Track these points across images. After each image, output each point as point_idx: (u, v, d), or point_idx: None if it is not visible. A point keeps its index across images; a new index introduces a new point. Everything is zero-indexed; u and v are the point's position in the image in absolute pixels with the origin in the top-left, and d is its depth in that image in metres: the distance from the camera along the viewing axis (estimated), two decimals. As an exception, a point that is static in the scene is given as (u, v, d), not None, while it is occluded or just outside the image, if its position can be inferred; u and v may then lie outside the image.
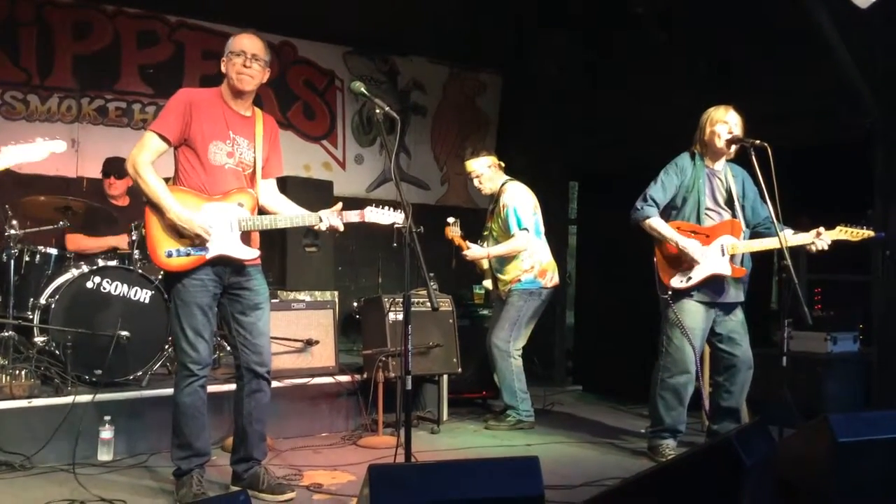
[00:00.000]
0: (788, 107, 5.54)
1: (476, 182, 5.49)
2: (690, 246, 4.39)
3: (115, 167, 5.50)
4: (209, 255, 3.54)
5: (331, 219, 3.70)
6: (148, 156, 3.51)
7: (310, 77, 7.28)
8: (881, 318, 5.42)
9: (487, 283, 5.54)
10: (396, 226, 3.40)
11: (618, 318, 6.68)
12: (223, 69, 3.63)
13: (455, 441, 5.01)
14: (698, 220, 4.47)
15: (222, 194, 3.60)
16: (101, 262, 4.78)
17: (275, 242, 5.95)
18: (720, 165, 4.55)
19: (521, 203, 5.32)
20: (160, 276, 4.61)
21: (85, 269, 4.67)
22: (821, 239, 4.30)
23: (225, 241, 3.57)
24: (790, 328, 4.88)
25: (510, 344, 5.32)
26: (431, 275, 4.91)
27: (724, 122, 4.43)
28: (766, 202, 4.21)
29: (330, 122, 7.39)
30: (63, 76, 6.17)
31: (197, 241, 3.52)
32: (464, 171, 5.59)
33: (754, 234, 4.53)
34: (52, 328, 4.50)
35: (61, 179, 5.96)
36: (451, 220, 5.32)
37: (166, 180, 3.60)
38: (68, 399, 4.24)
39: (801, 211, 4.60)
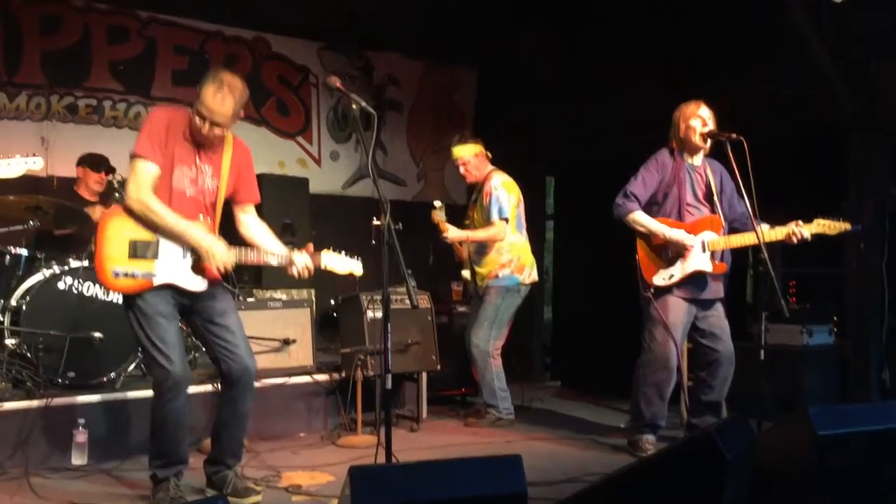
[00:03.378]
0: (762, 99, 5.58)
1: (461, 169, 5.46)
2: (678, 235, 4.39)
3: (105, 162, 5.43)
4: (156, 281, 3.44)
5: (306, 260, 3.65)
6: (147, 186, 3.40)
7: (284, 73, 7.22)
8: (855, 310, 5.47)
9: (466, 274, 5.52)
10: (375, 223, 3.35)
11: (596, 313, 6.69)
12: (192, 109, 3.47)
13: (435, 439, 4.98)
14: (679, 216, 4.48)
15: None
16: (73, 263, 4.69)
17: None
18: (699, 160, 4.57)
19: (504, 194, 5.31)
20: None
21: (56, 269, 4.59)
22: (799, 231, 4.32)
23: (174, 270, 3.47)
24: (767, 321, 4.93)
25: (490, 343, 5.30)
26: (409, 272, 4.88)
27: (698, 116, 4.45)
28: (742, 197, 4.23)
29: (305, 118, 7.33)
30: (32, 73, 6.06)
31: (212, 267, 3.45)
32: (450, 157, 5.56)
33: (731, 230, 4.53)
34: (23, 330, 4.41)
35: (31, 178, 5.81)
36: (437, 203, 5.32)
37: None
38: (41, 402, 4.16)
39: (776, 203, 4.62)
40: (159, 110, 3.56)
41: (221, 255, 3.44)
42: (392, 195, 7.30)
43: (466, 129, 8.01)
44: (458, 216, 5.70)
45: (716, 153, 4.51)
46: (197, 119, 3.44)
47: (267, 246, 3.70)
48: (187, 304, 3.57)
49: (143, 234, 3.44)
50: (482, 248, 5.38)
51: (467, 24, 7.04)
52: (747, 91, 5.67)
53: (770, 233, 4.32)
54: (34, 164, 3.65)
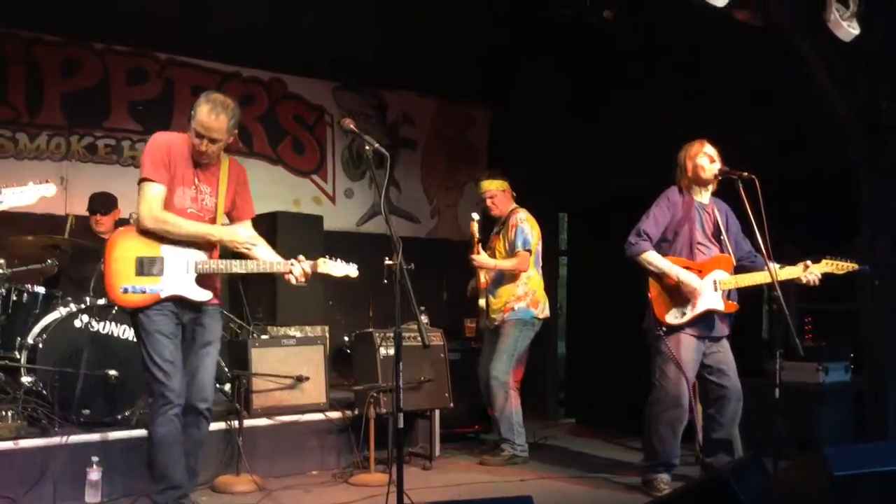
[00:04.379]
0: (774, 137, 5.60)
1: (488, 202, 5.64)
2: (690, 279, 4.40)
3: (101, 203, 5.51)
4: (163, 294, 3.62)
5: (304, 266, 3.78)
6: (158, 204, 3.61)
7: (299, 112, 7.32)
8: (871, 347, 5.42)
9: (482, 303, 5.55)
10: (387, 262, 3.38)
11: (610, 350, 6.66)
12: (188, 129, 3.69)
13: (448, 477, 4.96)
14: (690, 255, 4.50)
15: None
16: (89, 301, 4.74)
17: (263, 278, 5.92)
18: (707, 198, 4.61)
19: (528, 228, 5.48)
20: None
21: (73, 307, 4.64)
22: (809, 273, 4.34)
23: (180, 282, 3.67)
24: (782, 359, 4.90)
25: (510, 376, 5.33)
26: (422, 308, 4.91)
27: (704, 154, 4.53)
28: (753, 234, 4.24)
29: (320, 156, 7.42)
30: (52, 113, 6.18)
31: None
32: (477, 190, 5.78)
33: (738, 269, 4.56)
34: (40, 368, 4.46)
35: (49, 217, 5.92)
36: (475, 215, 5.47)
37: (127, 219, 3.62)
38: (55, 440, 4.19)
39: (789, 241, 4.62)
40: (158, 136, 3.74)
41: (242, 235, 3.75)
42: (405, 232, 7.34)
43: (480, 166, 8.11)
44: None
45: (727, 192, 4.52)
46: (195, 139, 3.64)
47: (266, 256, 3.86)
48: (184, 322, 3.73)
49: (148, 252, 3.62)
50: (500, 278, 5.47)
51: (481, 63, 7.14)
52: (759, 130, 5.70)
53: (781, 272, 4.32)
54: (47, 192, 3.76)
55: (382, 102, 7.71)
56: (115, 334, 4.68)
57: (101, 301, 4.80)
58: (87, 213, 5.62)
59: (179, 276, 3.66)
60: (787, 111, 5.63)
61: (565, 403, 7.72)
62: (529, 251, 5.42)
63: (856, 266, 4.39)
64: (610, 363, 6.63)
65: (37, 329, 4.65)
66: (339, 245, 7.03)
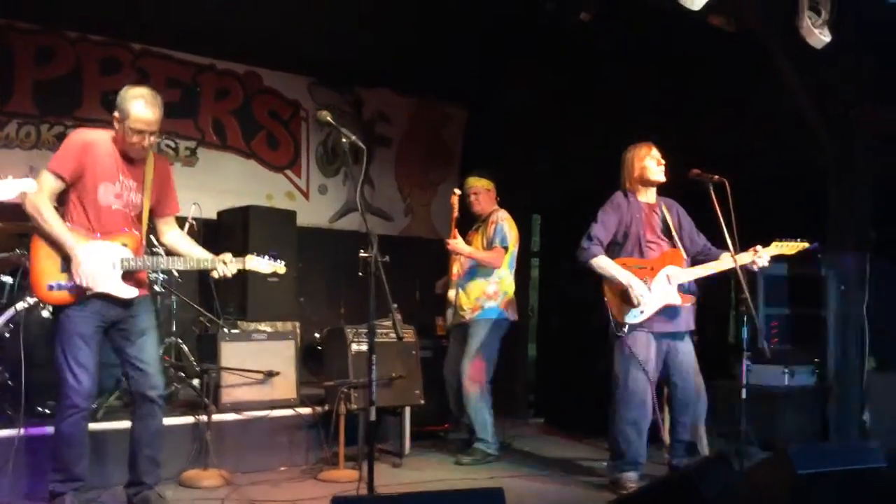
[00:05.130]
0: (745, 141, 5.68)
1: (472, 198, 5.67)
2: (635, 284, 4.45)
3: None
4: (89, 291, 3.63)
5: (228, 267, 3.80)
6: (45, 192, 3.61)
7: (274, 107, 7.27)
8: (836, 351, 5.52)
9: (451, 294, 5.55)
10: (362, 255, 3.39)
11: (579, 351, 6.69)
12: (115, 124, 3.71)
13: (418, 475, 4.95)
14: (641, 254, 4.58)
15: (107, 234, 3.70)
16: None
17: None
18: (652, 198, 4.71)
19: (507, 227, 5.51)
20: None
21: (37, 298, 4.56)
22: (759, 256, 4.42)
23: (106, 280, 3.67)
24: (749, 362, 4.96)
25: (482, 375, 5.34)
26: (395, 305, 4.91)
27: (651, 157, 4.65)
28: (723, 235, 4.29)
29: (294, 151, 7.38)
30: (22, 102, 6.08)
31: (76, 279, 3.59)
32: (465, 185, 5.76)
33: (694, 263, 4.64)
34: (4, 357, 4.39)
35: (18, 207, 5.82)
36: (457, 190, 5.61)
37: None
38: (20, 431, 4.12)
39: (757, 243, 4.68)
40: (76, 133, 3.78)
41: (86, 274, 3.58)
42: (379, 230, 7.34)
43: (454, 166, 8.12)
44: (444, 253, 5.72)
45: (698, 193, 4.56)
46: (135, 136, 3.66)
47: (193, 253, 3.89)
48: (112, 318, 3.73)
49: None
50: (473, 272, 5.47)
51: (457, 62, 7.14)
52: (731, 134, 5.78)
53: (728, 261, 4.38)
54: (27, 186, 3.70)
55: (358, 99, 7.69)
56: (83, 325, 4.61)
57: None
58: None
59: (106, 273, 3.65)
60: (759, 115, 5.72)
61: (535, 404, 7.75)
62: (506, 249, 5.44)
63: (806, 244, 4.46)
64: (580, 364, 6.66)
65: (2, 319, 4.56)
66: (311, 241, 7.04)
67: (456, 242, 5.43)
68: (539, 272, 8.14)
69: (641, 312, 4.48)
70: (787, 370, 5.39)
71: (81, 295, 3.61)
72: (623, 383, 4.54)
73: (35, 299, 4.51)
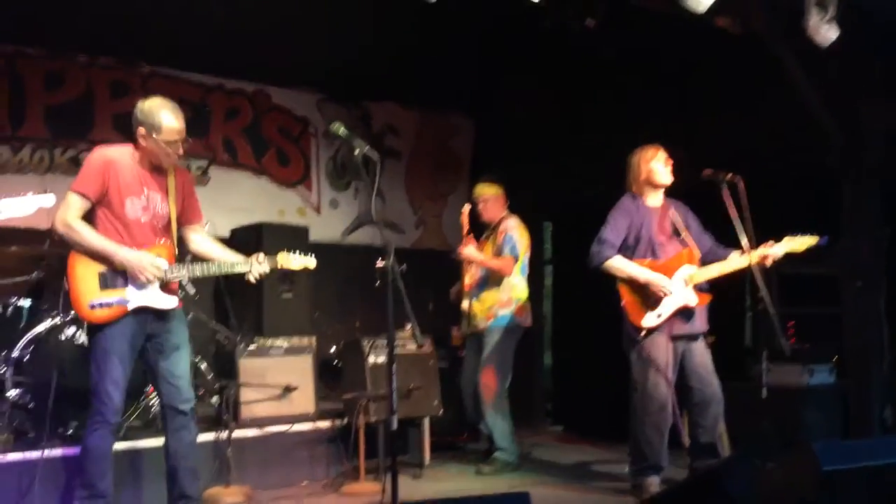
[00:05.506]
0: (754, 142, 5.67)
1: (481, 206, 5.69)
2: (656, 278, 4.44)
3: None
4: (131, 306, 3.67)
5: (262, 266, 3.84)
6: (74, 212, 3.66)
7: (284, 124, 7.32)
8: (854, 349, 5.48)
9: (465, 305, 5.56)
10: (379, 265, 3.40)
11: (596, 357, 6.67)
12: (141, 141, 3.74)
13: (439, 486, 4.96)
14: (654, 255, 4.56)
15: (139, 246, 3.74)
16: (74, 313, 4.70)
17: (249, 289, 5.89)
18: (659, 201, 4.69)
19: (518, 236, 5.51)
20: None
21: (59, 320, 4.60)
22: (771, 253, 4.40)
23: (145, 292, 3.70)
24: (768, 361, 4.95)
25: (498, 383, 5.33)
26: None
27: (658, 159, 4.64)
28: (736, 235, 4.29)
29: (304, 168, 7.41)
30: (35, 126, 6.14)
31: (142, 278, 3.64)
32: (472, 193, 5.81)
33: (703, 265, 4.60)
34: (25, 380, 4.41)
35: (33, 231, 5.87)
36: (467, 206, 5.64)
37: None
38: (43, 453, 4.14)
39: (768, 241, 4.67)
40: (97, 152, 3.79)
41: (149, 264, 3.66)
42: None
43: (463, 176, 8.13)
44: (456, 264, 5.73)
45: (710, 194, 4.56)
46: (169, 147, 3.72)
47: (224, 257, 3.93)
48: (149, 331, 3.76)
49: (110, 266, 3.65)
50: (485, 281, 5.48)
51: (464, 73, 7.17)
52: (740, 135, 5.77)
53: (743, 258, 4.37)
54: (46, 202, 3.81)
55: (367, 113, 7.72)
56: (102, 346, 4.63)
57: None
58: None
59: (143, 285, 3.69)
60: (769, 116, 5.71)
61: (552, 413, 7.73)
62: (516, 258, 5.43)
63: (815, 239, 4.44)
64: (596, 371, 6.64)
65: (22, 342, 4.59)
66: (324, 256, 6.98)
67: (467, 250, 5.44)
68: (552, 280, 8.12)
69: (659, 316, 4.47)
70: (806, 369, 5.34)
71: (122, 310, 3.64)
72: (642, 388, 4.52)
73: (54, 322, 4.58)
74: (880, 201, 5.35)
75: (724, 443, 4.69)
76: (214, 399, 5.20)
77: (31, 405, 4.41)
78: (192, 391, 3.91)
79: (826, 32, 4.63)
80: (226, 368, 5.17)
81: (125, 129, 6.42)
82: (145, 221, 3.77)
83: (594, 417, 6.64)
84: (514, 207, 5.85)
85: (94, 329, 3.70)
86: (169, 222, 3.86)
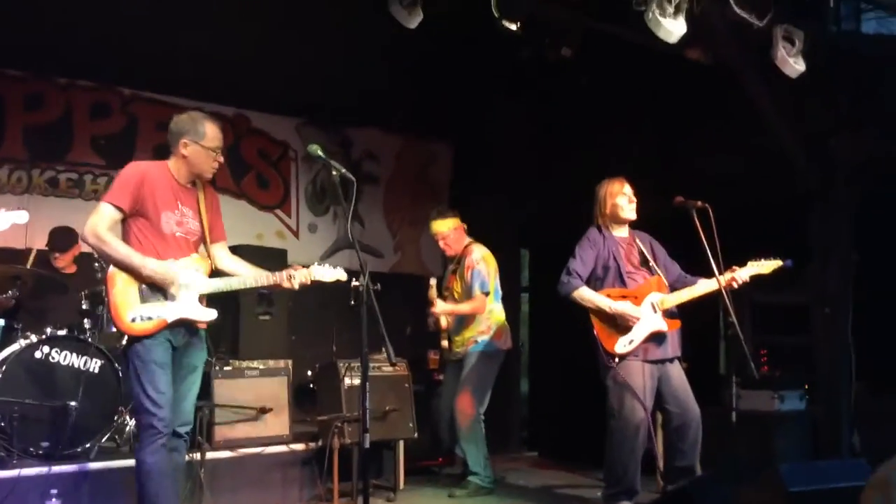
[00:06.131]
0: (727, 169, 5.78)
1: (441, 244, 5.61)
2: (622, 307, 4.50)
3: (59, 241, 5.49)
4: (171, 318, 3.62)
5: (299, 278, 3.77)
6: (106, 225, 3.58)
7: (263, 147, 7.36)
8: (824, 375, 5.58)
9: (445, 343, 5.56)
10: (354, 284, 3.43)
11: (572, 385, 6.71)
12: (183, 151, 3.72)
13: (412, 508, 4.95)
14: (623, 284, 4.63)
15: (175, 259, 3.68)
16: (50, 332, 4.69)
17: (227, 310, 5.90)
18: (625, 232, 4.77)
19: (484, 268, 5.45)
20: (122, 344, 4.57)
21: (34, 338, 4.59)
22: (737, 276, 4.48)
23: (185, 305, 3.66)
24: (738, 386, 5.02)
25: (475, 408, 5.34)
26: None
27: (623, 194, 4.71)
28: (707, 261, 4.37)
29: (283, 191, 7.45)
30: (14, 147, 6.14)
31: (172, 290, 3.59)
32: (428, 231, 5.70)
33: (672, 291, 4.66)
34: (-2, 400, 4.39)
35: (10, 251, 5.86)
36: (433, 281, 5.52)
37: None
38: (13, 472, 4.12)
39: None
40: (132, 165, 3.75)
41: (175, 275, 3.60)
42: (369, 267, 7.27)
43: (442, 202, 8.18)
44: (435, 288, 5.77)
45: (681, 221, 4.64)
46: (213, 156, 3.76)
47: (256, 271, 3.89)
48: (177, 344, 3.69)
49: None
50: (462, 320, 5.47)
51: (443, 100, 7.26)
52: (712, 164, 5.88)
53: (711, 282, 4.45)
54: (19, 219, 3.77)
55: (347, 139, 7.78)
56: (76, 366, 4.64)
57: (62, 332, 4.77)
58: (47, 248, 5.60)
59: (183, 298, 3.65)
60: (739, 145, 5.83)
61: (528, 439, 7.74)
62: (487, 293, 5.42)
63: (780, 262, 4.52)
64: (572, 397, 6.68)
65: (-5, 360, 4.59)
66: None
67: (438, 308, 5.40)
68: (529, 307, 8.17)
69: (631, 342, 4.52)
70: (776, 395, 5.41)
71: (162, 324, 3.59)
72: (618, 413, 4.54)
73: (28, 341, 4.57)
74: (848, 229, 5.47)
75: (697, 467, 4.72)
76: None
77: (2, 424, 4.37)
78: (192, 417, 3.83)
79: (794, 65, 4.77)
80: (201, 389, 5.13)
81: (103, 151, 6.53)
82: (179, 236, 3.73)
83: (570, 443, 6.66)
84: (492, 234, 5.87)
85: (133, 342, 3.61)
86: (199, 238, 3.84)
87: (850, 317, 5.39)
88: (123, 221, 3.66)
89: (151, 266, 3.57)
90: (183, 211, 3.76)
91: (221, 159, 3.82)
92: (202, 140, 3.72)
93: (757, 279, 4.54)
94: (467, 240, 5.63)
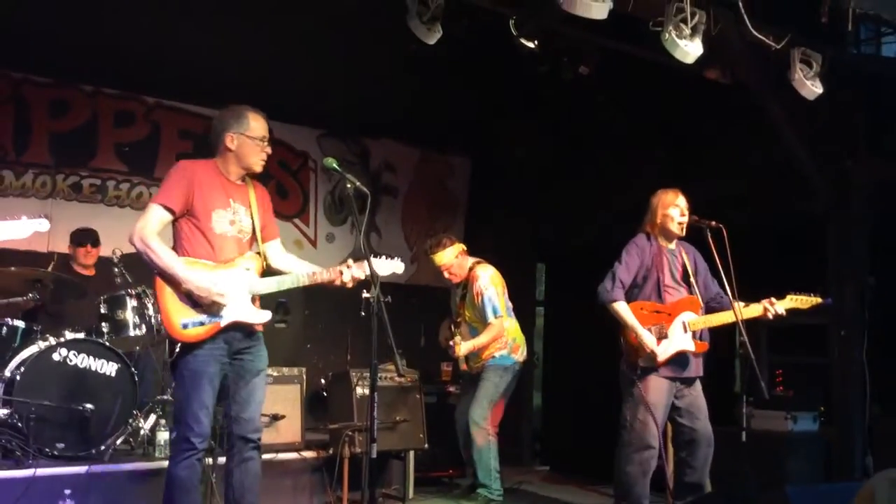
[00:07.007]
0: (743, 191, 5.78)
1: (446, 275, 5.56)
2: (647, 340, 4.46)
3: (89, 236, 5.61)
4: (224, 322, 3.53)
5: (353, 272, 3.64)
6: (154, 227, 3.51)
7: (284, 157, 7.44)
8: (839, 397, 5.55)
9: (462, 361, 5.56)
10: (365, 296, 3.47)
11: (585, 399, 6.72)
12: (229, 145, 3.66)
13: (421, 519, 4.97)
14: (659, 298, 4.60)
15: (228, 261, 3.61)
16: (68, 335, 4.77)
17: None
18: (673, 244, 4.73)
19: (493, 292, 5.41)
20: (152, 347, 4.62)
21: (52, 341, 4.67)
22: (773, 307, 4.46)
23: (238, 307, 3.57)
24: (750, 406, 4.99)
25: (488, 420, 5.35)
26: (400, 351, 4.97)
27: (676, 206, 4.62)
28: (718, 279, 4.39)
29: (302, 201, 7.52)
30: (39, 152, 6.26)
31: (213, 309, 3.50)
32: (432, 264, 5.63)
33: (707, 310, 4.65)
34: (16, 400, 4.46)
35: (32, 254, 5.96)
36: (457, 338, 5.39)
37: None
38: (29, 472, 4.18)
39: (756, 292, 4.75)
40: (181, 164, 3.68)
41: (216, 294, 3.47)
42: (386, 278, 7.40)
43: (460, 215, 8.23)
44: (447, 300, 5.80)
45: (696, 239, 4.66)
46: (261, 146, 3.71)
47: (307, 269, 3.76)
48: (235, 349, 3.62)
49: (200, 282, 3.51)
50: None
51: (462, 114, 7.32)
52: (729, 184, 5.89)
53: (746, 310, 4.44)
54: (40, 226, 3.80)
55: (365, 150, 7.85)
56: (93, 368, 4.71)
57: (80, 335, 4.85)
58: (69, 251, 5.72)
59: (236, 300, 3.55)
60: (757, 166, 5.83)
61: (540, 453, 7.75)
62: (502, 316, 5.39)
63: (820, 300, 4.50)
64: (586, 412, 6.69)
65: (14, 362, 4.65)
66: (318, 289, 7.04)
67: (462, 349, 5.35)
68: (544, 321, 8.19)
69: (657, 356, 4.52)
70: (789, 415, 5.38)
71: (216, 328, 3.51)
72: (630, 425, 4.54)
73: (47, 343, 4.65)
74: (864, 250, 5.46)
75: (707, 486, 4.71)
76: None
77: (19, 424, 4.44)
78: (259, 422, 3.74)
79: (811, 87, 4.77)
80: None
81: (126, 158, 6.63)
82: (231, 235, 3.63)
83: (582, 459, 6.66)
84: (508, 249, 5.88)
85: (185, 350, 3.50)
86: (252, 236, 3.73)
87: (865, 338, 5.37)
88: (174, 222, 3.59)
89: (193, 283, 3.45)
90: (235, 208, 3.66)
91: (269, 150, 3.74)
92: (248, 131, 3.66)
93: (794, 313, 4.51)
94: (470, 262, 5.59)
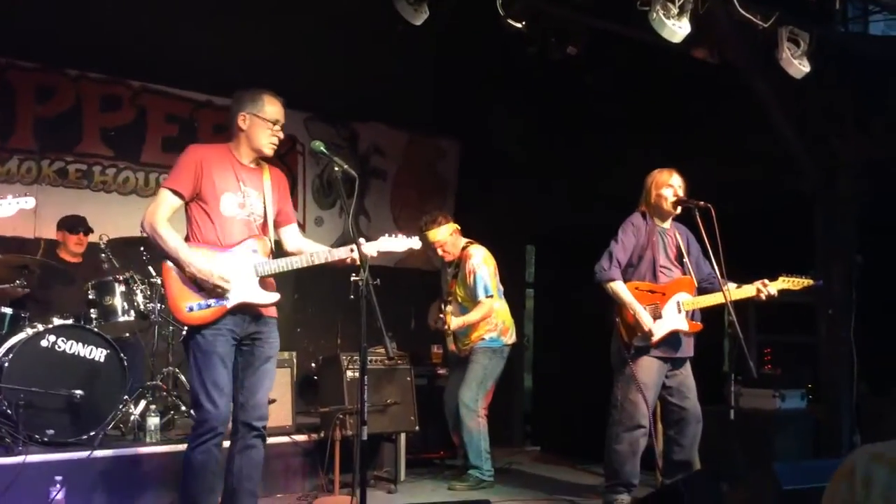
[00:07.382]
0: (732, 171, 5.79)
1: (439, 251, 5.57)
2: (645, 318, 4.48)
3: (82, 224, 5.59)
4: (230, 304, 3.52)
5: (365, 250, 3.61)
6: (164, 213, 3.53)
7: (271, 141, 7.39)
8: (826, 375, 5.59)
9: (450, 342, 5.58)
10: (353, 279, 3.46)
11: (575, 380, 6.75)
12: (241, 125, 3.66)
13: (412, 501, 4.99)
14: (654, 278, 4.62)
15: (236, 243, 3.60)
16: (57, 321, 4.76)
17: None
18: (668, 224, 4.74)
19: (485, 271, 5.45)
20: (141, 332, 4.60)
21: (40, 327, 4.65)
22: (766, 288, 4.48)
23: (244, 289, 3.55)
24: (739, 384, 5.03)
25: (478, 402, 5.38)
26: (390, 334, 4.98)
27: (670, 185, 4.64)
28: (708, 259, 4.41)
29: (290, 185, 7.47)
30: (24, 138, 6.19)
31: (217, 292, 3.49)
32: (425, 241, 5.57)
33: (700, 290, 4.68)
34: (5, 387, 4.45)
35: (18, 240, 5.93)
36: (449, 308, 5.43)
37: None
38: (19, 459, 4.18)
39: (746, 270, 4.78)
40: (190, 148, 3.67)
41: (218, 278, 3.46)
42: (375, 261, 7.34)
43: (449, 197, 8.21)
44: (437, 284, 5.80)
45: (685, 219, 4.68)
46: (275, 130, 3.70)
47: (317, 249, 3.74)
48: (244, 333, 3.60)
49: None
50: (470, 325, 5.48)
51: (451, 96, 7.29)
52: (719, 164, 5.89)
53: (738, 291, 4.47)
54: (26, 204, 3.79)
55: (354, 133, 7.81)
56: (82, 354, 4.70)
57: (69, 322, 4.83)
58: (57, 237, 5.68)
59: (242, 281, 3.54)
60: (744, 145, 5.84)
61: (531, 434, 7.78)
62: (492, 296, 5.43)
63: (811, 281, 4.54)
64: (576, 393, 6.72)
65: (3, 349, 4.63)
66: (307, 272, 7.01)
67: (453, 324, 5.37)
68: (534, 302, 8.20)
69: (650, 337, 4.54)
70: (777, 393, 5.43)
71: (222, 310, 3.50)
72: (621, 405, 4.58)
73: (35, 330, 4.63)
74: (852, 229, 5.48)
75: (696, 464, 4.75)
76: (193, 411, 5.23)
77: (9, 411, 4.43)
78: (266, 408, 3.71)
79: (799, 66, 4.77)
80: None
81: (112, 143, 6.57)
82: (241, 219, 3.62)
83: (572, 439, 6.70)
84: (498, 231, 5.88)
85: (193, 332, 3.51)
86: (265, 221, 3.71)
87: (853, 317, 5.40)
88: (186, 206, 3.60)
89: (196, 266, 3.45)
90: (246, 192, 3.64)
91: (281, 135, 3.73)
92: (261, 112, 3.65)
93: (785, 293, 4.54)
94: (463, 241, 5.62)
